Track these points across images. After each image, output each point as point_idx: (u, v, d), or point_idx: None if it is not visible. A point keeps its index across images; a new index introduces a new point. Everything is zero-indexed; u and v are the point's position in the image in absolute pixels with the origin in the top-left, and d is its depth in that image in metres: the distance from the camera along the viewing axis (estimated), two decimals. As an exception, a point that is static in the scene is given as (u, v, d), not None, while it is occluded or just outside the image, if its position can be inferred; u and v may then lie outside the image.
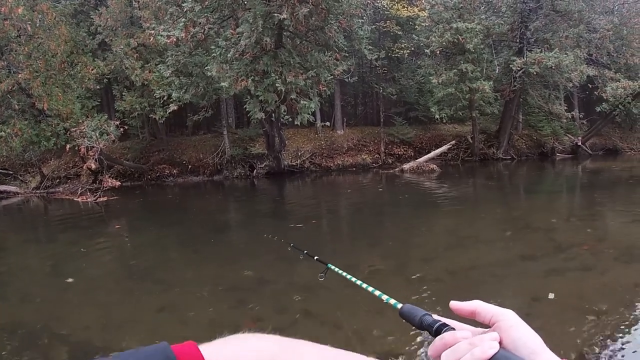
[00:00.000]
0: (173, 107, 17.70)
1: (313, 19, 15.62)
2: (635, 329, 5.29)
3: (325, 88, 16.85)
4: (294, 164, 22.40)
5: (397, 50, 24.74)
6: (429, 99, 24.67)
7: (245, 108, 17.05)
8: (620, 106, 26.98)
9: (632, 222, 11.42)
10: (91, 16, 19.62)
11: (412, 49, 24.74)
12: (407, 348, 4.75)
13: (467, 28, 21.54)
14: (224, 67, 15.30)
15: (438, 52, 23.13)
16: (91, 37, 20.07)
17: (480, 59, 23.13)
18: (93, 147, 15.76)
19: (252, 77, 15.10)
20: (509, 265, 7.75)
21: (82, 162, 17.31)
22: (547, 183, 20.34)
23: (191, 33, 15.55)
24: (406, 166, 22.78)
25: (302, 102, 15.61)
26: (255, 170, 21.41)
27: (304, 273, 7.38)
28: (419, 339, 4.82)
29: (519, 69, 22.91)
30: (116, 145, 20.09)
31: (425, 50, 23.34)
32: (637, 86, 26.07)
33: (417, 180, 20.29)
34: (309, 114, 16.07)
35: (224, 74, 15.14)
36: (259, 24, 14.46)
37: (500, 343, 0.70)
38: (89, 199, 16.38)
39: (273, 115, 17.22)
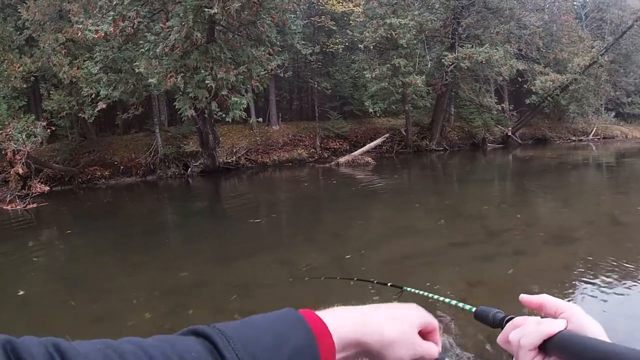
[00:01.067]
0: (102, 105, 16.89)
1: (245, 13, 15.32)
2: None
3: (257, 83, 16.62)
4: (229, 161, 22.02)
5: (331, 45, 24.83)
6: (363, 93, 24.86)
7: (175, 105, 16.58)
8: (548, 98, 28.13)
9: (560, 206, 11.91)
10: (18, 10, 18.52)
11: (347, 44, 24.90)
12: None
13: (401, 24, 21.81)
14: (153, 62, 14.82)
15: (372, 47, 23.33)
16: (18, 32, 19.03)
17: (413, 54, 23.47)
18: (20, 150, 14.98)
19: (182, 73, 14.72)
20: (443, 253, 7.87)
21: (10, 167, 16.43)
22: (479, 172, 20.90)
23: (120, 27, 14.94)
24: (342, 160, 22.88)
25: (233, 98, 15.31)
26: (189, 169, 20.79)
27: (241, 272, 7.28)
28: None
29: (450, 63, 23.42)
30: (44, 147, 18.90)
31: (359, 46, 23.53)
32: (565, 79, 27.25)
33: (352, 173, 20.42)
34: (241, 110, 15.77)
35: (153, 70, 14.67)
36: (189, 18, 14.06)
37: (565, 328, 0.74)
38: (18, 207, 15.47)
39: (205, 111, 16.83)
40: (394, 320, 0.79)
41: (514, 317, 0.83)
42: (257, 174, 21.71)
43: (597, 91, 29.74)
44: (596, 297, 5.67)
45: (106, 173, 19.99)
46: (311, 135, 25.27)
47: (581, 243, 8.19)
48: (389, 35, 22.06)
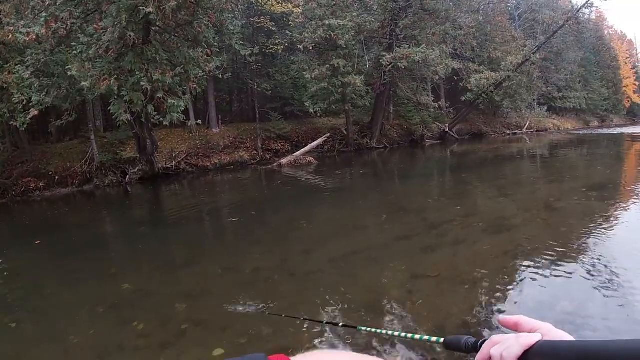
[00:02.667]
0: (34, 112, 15.98)
1: (182, 13, 14.97)
2: (509, 291, 5.60)
3: (195, 85, 16.28)
4: (168, 166, 21.53)
5: (271, 46, 24.73)
6: (303, 93, 24.93)
7: (110, 110, 15.95)
8: (483, 95, 29.08)
9: (497, 197, 12.26)
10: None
11: (286, 45, 24.85)
12: (301, 344, 4.63)
13: (340, 25, 21.97)
14: (86, 65, 14.27)
15: (311, 48, 23.44)
16: None
17: (352, 55, 23.72)
18: None
19: (116, 76, 14.23)
20: (386, 247, 7.91)
21: None
22: (419, 168, 21.29)
23: (52, 29, 14.30)
24: (284, 161, 22.82)
25: (170, 100, 14.91)
26: (127, 177, 19.98)
27: (186, 281, 7.06)
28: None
29: (388, 63, 23.80)
30: None
31: (299, 46, 23.52)
32: (499, 77, 28.24)
33: (295, 174, 20.36)
34: (178, 113, 15.39)
35: (86, 73, 14.09)
36: (122, 18, 13.56)
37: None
38: None
39: (142, 116, 16.30)
40: None
41: (486, 339, 0.88)
42: (198, 179, 21.28)
43: (529, 87, 31.00)
44: (536, 280, 5.81)
45: (41, 184, 18.88)
46: (252, 137, 25.08)
47: (518, 230, 8.41)
48: (328, 36, 22.18)
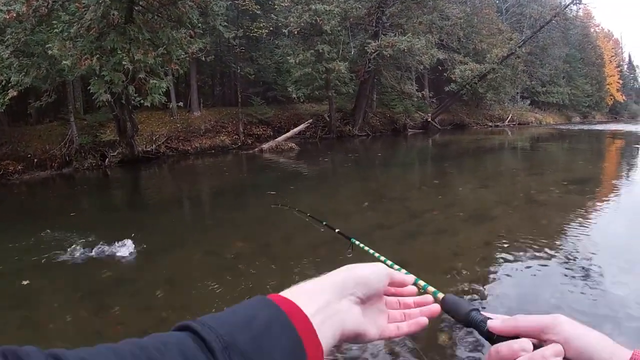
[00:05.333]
0: (12, 92, 15.60)
1: (166, -9, 14.74)
2: (490, 283, 5.61)
3: (177, 67, 16.00)
4: (149, 149, 21.17)
5: (255, 30, 24.40)
6: (286, 78, 24.72)
7: (90, 90, 15.55)
8: (467, 86, 29.18)
9: (478, 187, 12.32)
10: None
11: (271, 28, 24.55)
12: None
13: (326, 10, 21.79)
14: (67, 44, 13.89)
15: (296, 33, 23.22)
16: None
17: (337, 41, 23.56)
18: None
19: (97, 55, 13.90)
20: (367, 235, 7.82)
21: None
22: (400, 157, 21.34)
23: (34, 7, 13.91)
24: (265, 146, 22.71)
25: (152, 81, 14.63)
26: (107, 159, 19.58)
27: (165, 266, 6.94)
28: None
29: (373, 51, 23.71)
30: None
31: (284, 31, 23.29)
32: (484, 69, 28.31)
33: (277, 159, 20.26)
34: (159, 94, 15.10)
35: (67, 52, 13.74)
36: (106, -5, 13.28)
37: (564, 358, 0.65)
38: None
39: (122, 97, 16.00)
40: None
41: (490, 319, 0.74)
42: (179, 163, 21.05)
43: (513, 80, 31.17)
44: (517, 271, 5.85)
45: (19, 167, 18.31)
46: (234, 122, 24.84)
47: (499, 221, 8.45)
48: (313, 21, 22.00)
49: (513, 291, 5.39)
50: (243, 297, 5.41)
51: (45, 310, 5.86)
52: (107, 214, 12.16)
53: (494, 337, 0.73)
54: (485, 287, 5.48)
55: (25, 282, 6.92)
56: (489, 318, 0.74)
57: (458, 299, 0.81)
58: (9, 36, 15.24)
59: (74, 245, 8.19)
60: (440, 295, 0.85)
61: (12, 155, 18.66)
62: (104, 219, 11.69)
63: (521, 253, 6.38)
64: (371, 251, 1.40)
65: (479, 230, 7.83)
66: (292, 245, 7.63)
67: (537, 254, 6.32)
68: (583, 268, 5.73)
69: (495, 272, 5.91)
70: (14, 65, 15.25)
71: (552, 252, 6.35)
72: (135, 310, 5.61)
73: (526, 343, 0.68)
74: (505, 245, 6.73)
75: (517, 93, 37.19)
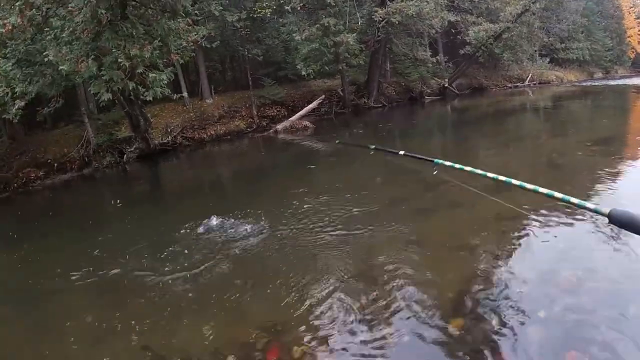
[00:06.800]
0: (19, 103, 15.65)
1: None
2: (509, 259, 5.34)
3: (178, 57, 15.82)
4: (165, 141, 21.04)
5: (258, 10, 23.93)
6: (295, 56, 24.29)
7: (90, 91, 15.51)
8: (482, 48, 28.31)
9: (499, 153, 11.92)
10: None
11: (274, 7, 24.05)
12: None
13: (327, -20, 21.30)
14: (63, 49, 13.77)
15: (299, 8, 22.69)
16: None
17: (343, 12, 23.04)
18: None
19: (93, 56, 13.75)
20: (380, 212, 7.59)
21: None
22: (418, 125, 20.99)
23: (27, 17, 13.77)
24: (279, 127, 22.47)
25: (151, 75, 14.44)
26: (125, 156, 19.64)
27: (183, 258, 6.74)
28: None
29: (381, 19, 23.10)
30: None
31: (286, 7, 22.82)
32: (498, 28, 27.40)
33: (292, 139, 20.20)
34: (161, 86, 14.93)
35: (63, 57, 13.64)
36: (92, -4, 13.04)
37: None
38: None
39: (130, 93, 15.84)
40: None
41: None
42: (196, 151, 21.03)
43: (530, 38, 30.15)
44: (539, 244, 5.62)
45: (41, 173, 18.44)
46: (247, 105, 24.58)
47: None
48: (316, -6, 21.54)
49: (535, 267, 5.10)
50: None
51: (66, 309, 5.74)
52: (132, 208, 12.11)
53: None
54: (504, 264, 5.22)
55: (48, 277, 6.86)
56: None
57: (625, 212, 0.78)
58: (9, 48, 15.27)
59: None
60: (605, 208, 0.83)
61: (32, 162, 18.82)
62: (129, 212, 11.66)
63: (544, 224, 6.06)
64: (457, 166, 1.25)
65: (499, 200, 7.45)
66: (313, 225, 7.44)
67: (561, 223, 6.00)
68: (612, 237, 5.34)
69: (516, 247, 5.63)
70: (18, 76, 15.27)
71: (578, 221, 5.98)
72: (145, 305, 5.46)
73: None
74: (527, 216, 6.38)
75: (535, 51, 36.02)
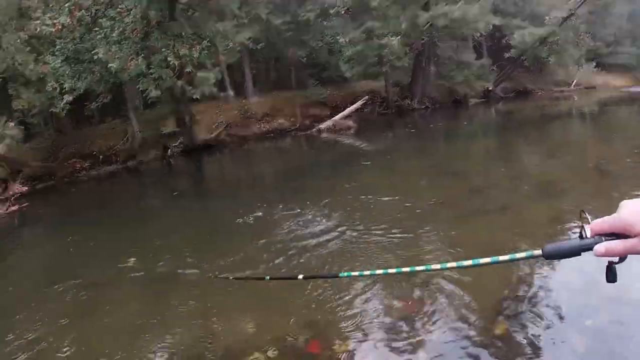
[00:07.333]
0: (68, 98, 16.41)
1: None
2: (552, 271, 5.29)
3: (225, 57, 16.20)
4: (208, 138, 21.53)
5: (303, 14, 24.20)
6: (339, 58, 24.40)
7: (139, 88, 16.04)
8: (528, 51, 27.82)
9: (545, 159, 11.81)
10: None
11: (319, 10, 24.27)
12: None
13: (372, -15, 21.35)
14: (113, 48, 14.28)
15: (344, 12, 22.83)
16: None
17: (387, 16, 23.02)
18: None
19: (143, 55, 14.21)
20: (424, 216, 7.65)
21: None
22: (462, 128, 20.81)
23: (77, 17, 14.37)
24: (323, 126, 22.61)
25: (199, 74, 14.84)
26: (169, 150, 20.24)
27: (226, 251, 6.91)
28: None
29: (425, 22, 22.98)
30: (21, 146, 18.33)
31: (331, 11, 22.99)
32: (543, 32, 26.92)
33: (334, 138, 20.38)
34: (209, 85, 15.33)
35: (113, 56, 14.14)
36: (143, -1, 13.53)
37: None
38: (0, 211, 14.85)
39: (177, 91, 16.32)
40: None
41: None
42: (239, 148, 21.37)
43: (576, 42, 29.49)
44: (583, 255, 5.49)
45: (86, 165, 19.24)
46: (290, 105, 24.82)
47: (567, 195, 8.03)
48: (360, -2, 21.62)
49: (581, 272, 5.09)
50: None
51: (113, 296, 6.00)
52: (175, 202, 12.46)
53: None
54: (551, 268, 5.23)
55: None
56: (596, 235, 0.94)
57: (558, 243, 1.01)
58: (58, 46, 15.87)
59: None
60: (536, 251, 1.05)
61: (79, 154, 19.54)
62: (170, 206, 12.00)
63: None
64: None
65: (545, 207, 7.46)
66: (355, 227, 7.49)
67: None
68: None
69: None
70: (67, 73, 15.87)
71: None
72: (186, 296, 5.63)
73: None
74: (573, 224, 6.36)
75: (581, 55, 35.20)
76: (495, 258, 1.20)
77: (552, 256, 1.03)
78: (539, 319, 4.31)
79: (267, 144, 21.58)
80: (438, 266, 1.41)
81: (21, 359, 4.98)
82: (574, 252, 0.98)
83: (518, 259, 1.14)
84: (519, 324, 4.29)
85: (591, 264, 4.14)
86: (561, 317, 4.34)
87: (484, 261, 1.25)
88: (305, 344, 4.43)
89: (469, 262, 1.27)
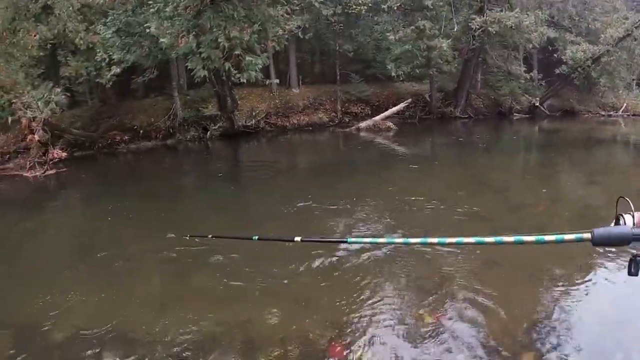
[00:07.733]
0: (115, 69, 16.70)
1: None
2: (588, 294, 5.21)
3: (274, 44, 16.19)
4: (248, 124, 21.66)
5: (354, 6, 24.01)
6: (386, 56, 24.15)
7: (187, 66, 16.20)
8: (579, 69, 27.08)
9: (587, 183, 11.51)
10: (32, -22, 18.09)
11: (370, 4, 24.03)
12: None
13: (427, -17, 21.09)
14: (164, 23, 14.40)
15: (396, 8, 22.60)
16: (34, 1, 18.67)
17: (439, 17, 22.74)
18: (35, 117, 14.77)
19: (194, 33, 14.29)
20: (459, 227, 7.53)
21: (31, 134, 16.19)
22: (504, 142, 20.47)
23: None
24: (362, 124, 22.50)
25: (248, 58, 14.84)
26: (208, 132, 20.54)
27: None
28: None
29: (478, 27, 22.60)
30: (64, 113, 18.68)
31: (383, 6, 22.76)
32: (598, 50, 26.13)
33: (373, 138, 20.28)
34: (256, 70, 15.31)
35: (165, 31, 14.26)
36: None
37: None
38: (37, 173, 15.33)
39: (223, 74, 16.37)
40: None
41: None
42: (277, 138, 21.51)
43: (630, 65, 28.46)
44: (621, 283, 5.33)
45: (126, 137, 19.59)
46: (332, 99, 24.75)
47: (606, 224, 7.73)
48: (414, -5, 21.38)
49: (617, 304, 4.92)
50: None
51: (135, 272, 6.06)
52: (208, 182, 12.56)
53: None
54: (586, 296, 5.06)
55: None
56: None
57: (608, 229, 1.04)
58: (110, 17, 16.10)
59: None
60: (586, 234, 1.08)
61: (120, 127, 19.89)
62: (206, 185, 12.08)
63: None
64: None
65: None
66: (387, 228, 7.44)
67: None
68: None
69: (600, 281, 5.44)
70: (117, 44, 16.11)
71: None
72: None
73: None
74: (612, 256, 6.13)
75: (633, 80, 34.04)
76: (540, 237, 1.14)
77: (601, 243, 1.04)
78: (570, 351, 4.19)
79: (304, 137, 21.66)
80: (472, 240, 1.34)
81: (47, 316, 5.11)
82: (625, 240, 0.98)
83: (566, 241, 1.13)
84: (549, 355, 4.16)
85: (624, 298, 4.01)
86: (592, 352, 4.21)
87: (528, 239, 1.20)
88: (328, 346, 4.39)
89: (511, 239, 1.21)
